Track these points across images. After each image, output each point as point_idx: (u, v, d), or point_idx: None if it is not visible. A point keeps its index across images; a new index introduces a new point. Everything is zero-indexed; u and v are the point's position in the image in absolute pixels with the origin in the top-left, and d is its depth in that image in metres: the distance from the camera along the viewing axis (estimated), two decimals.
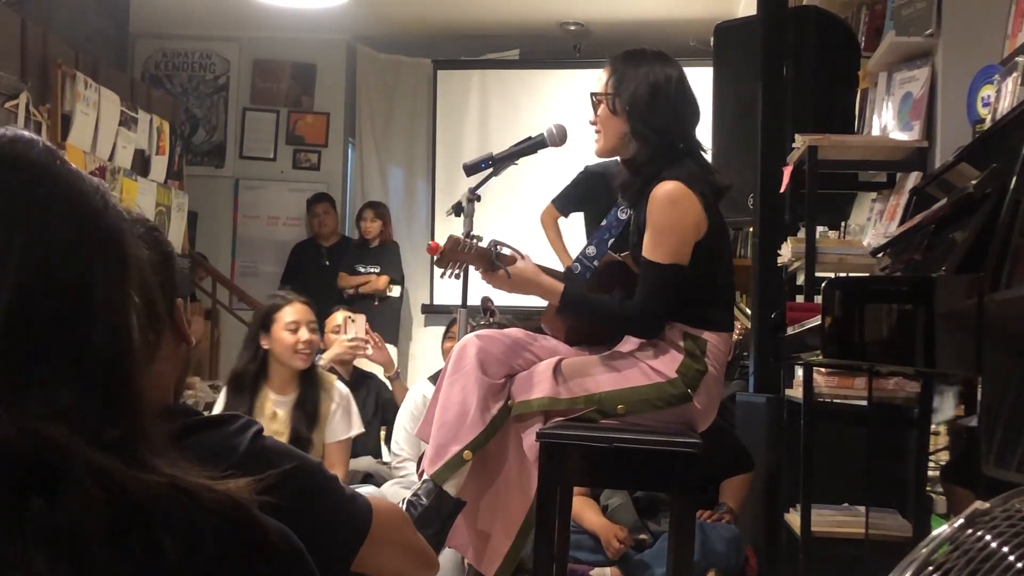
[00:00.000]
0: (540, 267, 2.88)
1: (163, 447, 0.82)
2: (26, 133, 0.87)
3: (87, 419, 0.76)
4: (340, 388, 3.90)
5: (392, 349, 6.72)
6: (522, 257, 2.79)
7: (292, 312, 3.76)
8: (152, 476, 0.77)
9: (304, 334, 3.73)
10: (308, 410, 3.74)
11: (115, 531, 0.73)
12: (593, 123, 2.82)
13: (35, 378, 0.77)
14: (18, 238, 0.80)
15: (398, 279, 7.15)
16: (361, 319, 4.68)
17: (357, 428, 3.88)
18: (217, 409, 3.76)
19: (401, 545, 1.48)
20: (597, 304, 2.76)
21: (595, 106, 2.80)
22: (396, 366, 5.13)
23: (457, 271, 2.80)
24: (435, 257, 2.80)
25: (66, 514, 0.72)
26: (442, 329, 5.19)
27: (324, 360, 4.42)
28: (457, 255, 2.77)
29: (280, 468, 1.30)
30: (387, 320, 6.88)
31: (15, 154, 0.84)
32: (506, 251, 2.80)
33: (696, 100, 2.82)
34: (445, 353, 4.52)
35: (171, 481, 0.77)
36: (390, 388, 4.92)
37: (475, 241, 2.81)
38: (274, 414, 3.70)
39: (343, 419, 3.83)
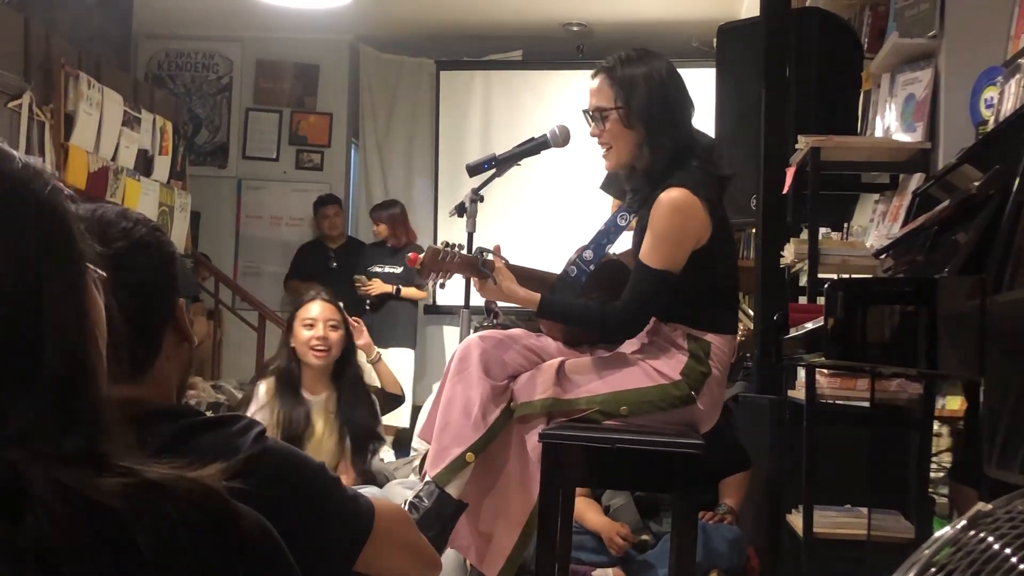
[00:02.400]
0: (532, 271, 2.89)
1: (129, 449, 0.80)
2: None
3: (45, 437, 0.74)
4: (373, 398, 3.94)
5: (409, 353, 6.74)
6: (503, 267, 2.80)
7: (311, 309, 3.77)
8: (120, 479, 0.75)
9: (319, 330, 3.72)
10: (357, 405, 3.76)
11: (85, 545, 0.72)
12: (598, 136, 2.78)
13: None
14: None
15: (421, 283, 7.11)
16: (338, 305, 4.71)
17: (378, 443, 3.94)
18: (257, 405, 3.74)
19: (403, 545, 1.48)
20: (576, 309, 2.77)
21: (601, 120, 2.75)
22: (377, 350, 5.12)
23: (442, 280, 2.81)
24: (417, 269, 2.81)
25: (30, 536, 0.70)
26: (445, 330, 5.19)
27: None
28: (439, 265, 2.77)
29: (291, 475, 1.31)
30: (405, 322, 6.88)
31: None
32: (491, 258, 2.80)
33: (686, 87, 2.81)
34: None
35: (140, 479, 0.76)
36: (373, 376, 4.94)
37: (458, 249, 2.81)
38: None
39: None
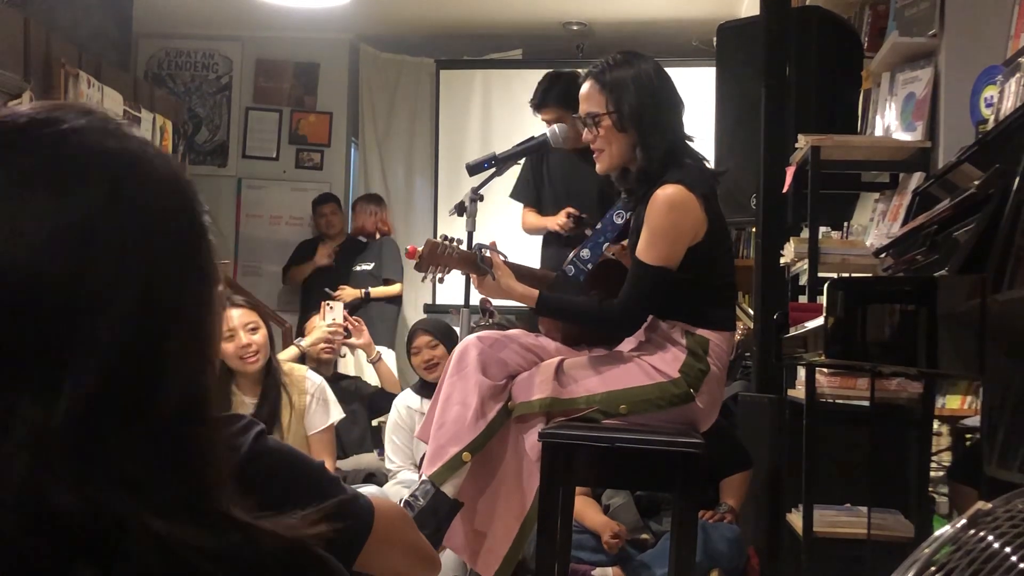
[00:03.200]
0: (530, 269, 2.89)
1: (233, 495, 0.75)
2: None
3: (155, 484, 0.70)
4: (312, 378, 3.85)
5: (389, 353, 6.63)
6: (501, 262, 2.80)
7: (225, 320, 3.70)
8: (219, 538, 0.71)
9: (242, 339, 3.63)
10: (267, 412, 3.65)
11: None
12: (591, 142, 2.80)
13: (105, 448, 0.70)
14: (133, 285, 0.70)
15: (398, 276, 6.99)
16: (339, 305, 4.70)
17: (336, 415, 3.83)
18: None
19: (403, 545, 1.48)
20: (574, 306, 2.78)
21: (593, 125, 2.77)
22: (377, 349, 5.10)
23: (440, 274, 2.81)
24: (415, 262, 2.81)
25: None
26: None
27: (304, 345, 4.42)
28: (437, 259, 2.78)
29: (289, 476, 1.31)
30: (380, 321, 6.71)
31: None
32: (488, 254, 2.80)
33: (675, 87, 2.82)
34: (416, 369, 4.46)
35: (239, 534, 0.72)
36: (372, 379, 4.95)
37: (456, 244, 2.82)
38: None
39: (320, 408, 3.78)
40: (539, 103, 4.30)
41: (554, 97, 4.24)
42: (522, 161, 4.20)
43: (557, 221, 4.15)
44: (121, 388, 0.70)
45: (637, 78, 2.73)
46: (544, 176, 4.48)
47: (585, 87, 2.81)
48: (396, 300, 6.96)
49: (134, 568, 0.67)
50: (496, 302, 3.59)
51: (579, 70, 4.53)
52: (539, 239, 4.49)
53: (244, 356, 3.64)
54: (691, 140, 2.80)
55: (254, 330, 3.68)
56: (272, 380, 3.72)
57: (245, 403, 3.70)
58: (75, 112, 0.76)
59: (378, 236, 7.11)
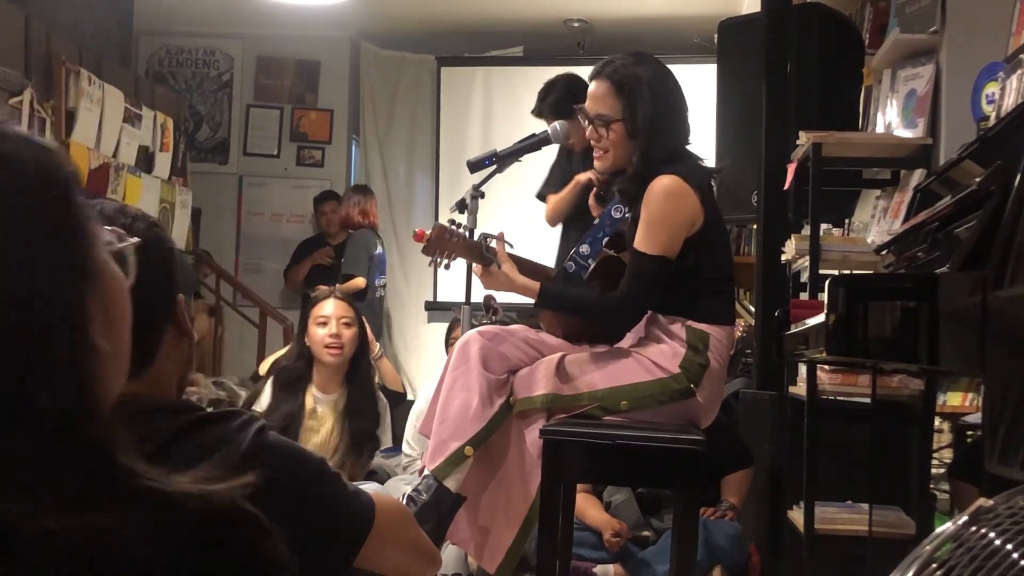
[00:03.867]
0: (532, 263, 2.89)
1: (139, 466, 0.74)
2: None
3: (44, 482, 0.69)
4: (381, 398, 3.94)
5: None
6: (506, 254, 2.81)
7: (324, 307, 3.77)
8: (126, 514, 0.70)
9: (333, 328, 3.72)
10: (363, 408, 3.74)
11: None
12: (596, 141, 2.79)
13: None
14: None
15: (358, 271, 6.80)
16: (353, 304, 4.70)
17: (386, 443, 3.92)
18: (263, 403, 3.75)
19: (404, 542, 1.48)
20: (575, 298, 2.78)
21: (603, 127, 2.75)
22: (380, 347, 5.10)
23: (446, 260, 2.81)
24: (423, 245, 2.81)
25: None
26: (446, 326, 5.20)
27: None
28: (444, 244, 2.78)
29: (278, 466, 1.30)
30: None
31: None
32: (494, 245, 2.81)
33: (681, 88, 2.81)
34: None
35: (154, 504, 0.71)
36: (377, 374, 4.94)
37: (463, 230, 2.82)
38: (314, 410, 3.71)
39: (381, 430, 3.88)
40: (536, 112, 4.49)
41: (548, 107, 4.36)
42: (527, 160, 4.20)
43: (588, 175, 4.14)
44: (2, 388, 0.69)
45: (651, 85, 2.72)
46: (571, 173, 4.53)
47: (598, 87, 2.78)
48: (360, 296, 6.63)
49: (34, 565, 0.66)
50: (499, 299, 3.59)
51: (572, 74, 4.56)
52: (548, 236, 4.52)
53: (328, 345, 3.71)
54: (690, 143, 2.81)
55: (348, 325, 3.77)
56: (356, 380, 3.78)
57: (316, 396, 3.73)
58: None
59: (350, 231, 7.01)
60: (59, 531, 0.67)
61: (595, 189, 3.21)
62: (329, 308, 3.77)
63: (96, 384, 0.74)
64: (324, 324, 3.73)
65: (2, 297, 0.70)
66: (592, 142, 2.81)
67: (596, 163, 2.84)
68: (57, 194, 0.76)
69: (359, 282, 6.71)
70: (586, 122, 2.80)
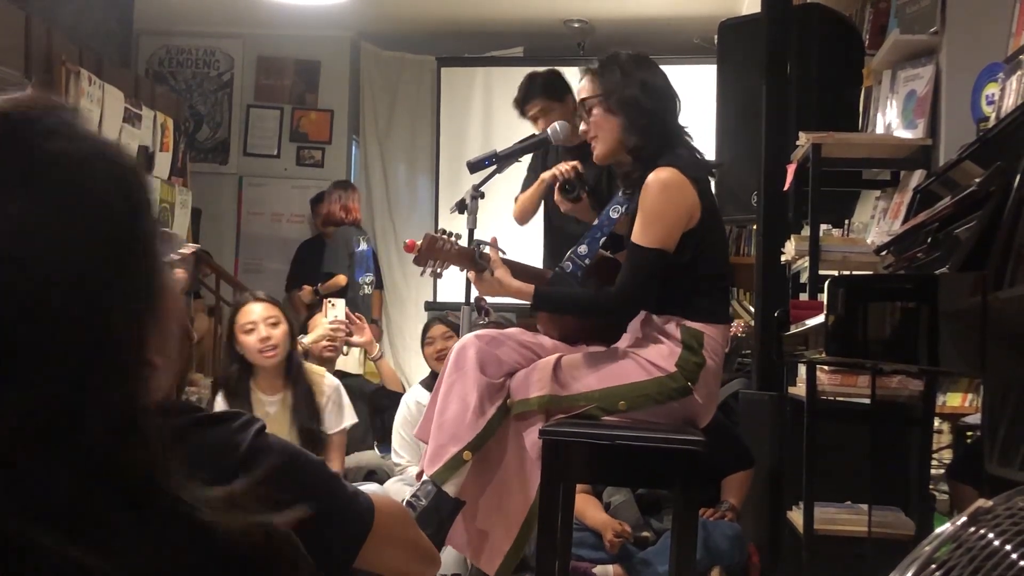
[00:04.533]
0: (528, 267, 2.89)
1: (182, 490, 0.72)
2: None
3: (78, 506, 0.67)
4: (329, 380, 3.88)
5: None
6: (499, 258, 2.81)
7: (246, 313, 3.73)
8: (157, 540, 0.69)
9: (262, 331, 3.67)
10: (306, 407, 3.70)
11: None
12: (586, 131, 2.83)
13: (23, 475, 0.66)
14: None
15: (339, 269, 6.74)
16: (341, 303, 4.70)
17: (350, 419, 3.85)
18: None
19: (403, 543, 1.48)
20: (571, 297, 2.79)
21: (587, 112, 2.81)
22: (378, 347, 5.09)
23: (438, 269, 2.81)
24: (414, 256, 2.80)
25: None
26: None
27: (307, 342, 4.43)
28: (436, 253, 2.78)
29: (277, 468, 1.30)
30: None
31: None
32: (487, 251, 2.81)
33: (667, 78, 2.84)
34: (427, 359, 4.51)
35: (186, 529, 0.70)
36: (373, 378, 4.93)
37: (455, 239, 2.82)
38: (266, 414, 3.68)
39: (335, 411, 3.80)
40: (524, 98, 4.29)
41: (538, 89, 4.25)
42: (526, 160, 4.18)
43: (552, 171, 4.00)
44: (49, 412, 0.67)
45: (626, 63, 2.78)
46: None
47: (583, 81, 2.86)
48: (342, 293, 6.53)
49: None
50: (493, 300, 3.58)
51: (557, 68, 4.54)
52: (540, 236, 4.49)
53: (263, 350, 3.67)
54: (688, 135, 2.81)
55: (275, 324, 3.72)
56: (296, 376, 3.74)
57: (262, 400, 3.71)
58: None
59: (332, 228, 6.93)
60: (90, 569, 0.65)
61: (558, 183, 3.20)
62: (253, 313, 3.71)
63: (145, 401, 0.73)
64: (252, 330, 3.68)
65: (67, 312, 0.68)
66: (587, 138, 2.85)
67: (593, 154, 2.85)
68: (133, 216, 0.75)
69: (340, 280, 6.67)
70: (578, 120, 2.86)
